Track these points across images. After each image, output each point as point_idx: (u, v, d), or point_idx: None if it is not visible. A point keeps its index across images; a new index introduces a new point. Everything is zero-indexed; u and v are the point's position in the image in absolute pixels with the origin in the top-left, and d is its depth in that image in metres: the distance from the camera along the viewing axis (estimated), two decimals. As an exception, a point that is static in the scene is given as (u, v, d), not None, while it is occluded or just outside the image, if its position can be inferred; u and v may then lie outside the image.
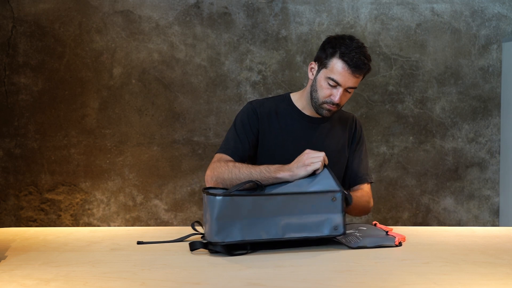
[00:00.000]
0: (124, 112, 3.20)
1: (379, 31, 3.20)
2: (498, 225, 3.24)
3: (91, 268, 1.45)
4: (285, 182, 1.73)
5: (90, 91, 3.19)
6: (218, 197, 1.55)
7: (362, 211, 2.00)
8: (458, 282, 1.34)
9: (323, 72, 1.89)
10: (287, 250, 1.60)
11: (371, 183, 2.06)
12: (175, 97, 3.20)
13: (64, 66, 3.18)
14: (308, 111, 2.00)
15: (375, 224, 1.85)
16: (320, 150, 1.88)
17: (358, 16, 3.20)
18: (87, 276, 1.39)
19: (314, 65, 1.93)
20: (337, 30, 3.18)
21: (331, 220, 1.59)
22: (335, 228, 1.59)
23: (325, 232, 1.59)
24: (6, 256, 1.56)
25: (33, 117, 3.18)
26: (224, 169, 1.81)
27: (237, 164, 1.82)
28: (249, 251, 1.58)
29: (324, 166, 1.72)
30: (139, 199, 3.22)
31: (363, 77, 1.92)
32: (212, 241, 1.56)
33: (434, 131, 3.23)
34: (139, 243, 1.69)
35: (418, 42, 3.21)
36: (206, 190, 1.66)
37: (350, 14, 3.19)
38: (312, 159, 1.72)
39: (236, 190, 1.65)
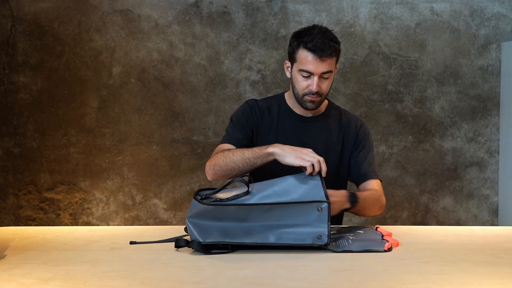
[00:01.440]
0: (123, 111, 3.20)
1: (378, 30, 3.20)
2: (497, 225, 3.24)
3: (90, 267, 1.45)
4: (273, 186, 1.68)
5: (89, 90, 3.19)
6: (199, 203, 1.60)
7: (375, 209, 1.93)
8: (458, 281, 1.34)
9: (295, 66, 1.92)
10: (287, 250, 1.59)
11: (378, 179, 2.00)
12: (174, 96, 3.20)
13: (63, 65, 3.17)
14: (298, 109, 2.02)
15: (376, 228, 1.83)
16: (309, 148, 1.89)
17: (357, 16, 3.20)
18: (86, 275, 1.39)
19: (288, 63, 1.98)
20: (337, 30, 3.17)
21: (316, 229, 1.58)
22: (319, 237, 1.57)
23: (308, 240, 1.57)
24: (5, 255, 1.56)
25: (32, 116, 3.18)
26: (219, 156, 1.86)
27: (232, 149, 1.88)
28: (230, 251, 1.58)
29: (319, 174, 1.69)
30: (138, 198, 3.22)
31: (337, 59, 1.92)
32: (194, 239, 1.59)
33: (433, 131, 3.23)
34: (132, 243, 1.69)
35: (417, 41, 3.21)
36: (198, 192, 1.70)
37: (349, 13, 3.19)
38: (308, 157, 1.71)
39: (223, 191, 1.66)
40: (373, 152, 2.07)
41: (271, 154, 1.78)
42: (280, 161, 1.76)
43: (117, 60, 3.18)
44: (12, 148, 3.18)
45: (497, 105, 3.23)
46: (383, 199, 1.96)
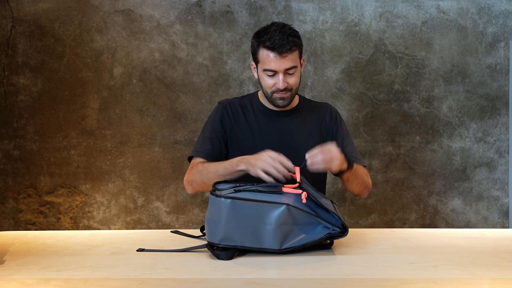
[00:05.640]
0: (124, 112, 3.16)
1: (384, 29, 3.16)
2: (508, 227, 3.19)
3: (92, 273, 1.44)
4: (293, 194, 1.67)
5: (90, 91, 3.15)
6: (222, 199, 1.55)
7: (364, 184, 1.97)
8: (468, 286, 1.32)
9: (259, 66, 1.94)
10: (287, 252, 1.58)
11: (363, 166, 2.03)
12: (176, 97, 3.16)
13: (64, 66, 3.14)
14: (272, 105, 2.04)
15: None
16: (287, 141, 1.95)
17: (362, 14, 3.15)
18: (88, 281, 1.38)
19: (254, 64, 1.99)
20: (341, 28, 3.13)
21: (327, 225, 1.58)
22: (333, 229, 1.57)
23: (321, 234, 1.56)
24: (5, 260, 1.55)
25: (32, 118, 3.15)
26: (195, 173, 1.91)
27: (205, 164, 1.90)
28: (237, 253, 1.58)
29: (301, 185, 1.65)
30: (140, 201, 3.18)
31: (300, 53, 1.93)
32: (212, 241, 1.57)
33: (441, 131, 3.19)
34: (139, 250, 1.65)
35: (424, 40, 3.16)
36: (214, 187, 1.66)
37: (354, 12, 3.15)
38: (266, 166, 1.70)
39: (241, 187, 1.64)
40: (351, 138, 2.09)
41: (242, 171, 1.79)
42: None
43: (118, 61, 3.14)
44: (11, 151, 3.15)
45: (506, 104, 3.18)
46: (370, 182, 2.00)
